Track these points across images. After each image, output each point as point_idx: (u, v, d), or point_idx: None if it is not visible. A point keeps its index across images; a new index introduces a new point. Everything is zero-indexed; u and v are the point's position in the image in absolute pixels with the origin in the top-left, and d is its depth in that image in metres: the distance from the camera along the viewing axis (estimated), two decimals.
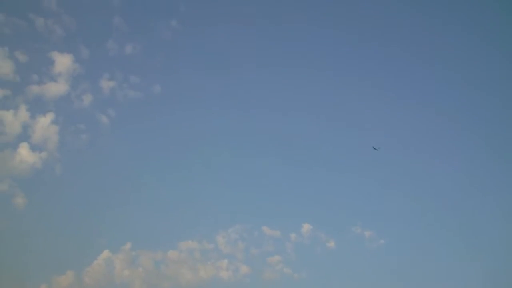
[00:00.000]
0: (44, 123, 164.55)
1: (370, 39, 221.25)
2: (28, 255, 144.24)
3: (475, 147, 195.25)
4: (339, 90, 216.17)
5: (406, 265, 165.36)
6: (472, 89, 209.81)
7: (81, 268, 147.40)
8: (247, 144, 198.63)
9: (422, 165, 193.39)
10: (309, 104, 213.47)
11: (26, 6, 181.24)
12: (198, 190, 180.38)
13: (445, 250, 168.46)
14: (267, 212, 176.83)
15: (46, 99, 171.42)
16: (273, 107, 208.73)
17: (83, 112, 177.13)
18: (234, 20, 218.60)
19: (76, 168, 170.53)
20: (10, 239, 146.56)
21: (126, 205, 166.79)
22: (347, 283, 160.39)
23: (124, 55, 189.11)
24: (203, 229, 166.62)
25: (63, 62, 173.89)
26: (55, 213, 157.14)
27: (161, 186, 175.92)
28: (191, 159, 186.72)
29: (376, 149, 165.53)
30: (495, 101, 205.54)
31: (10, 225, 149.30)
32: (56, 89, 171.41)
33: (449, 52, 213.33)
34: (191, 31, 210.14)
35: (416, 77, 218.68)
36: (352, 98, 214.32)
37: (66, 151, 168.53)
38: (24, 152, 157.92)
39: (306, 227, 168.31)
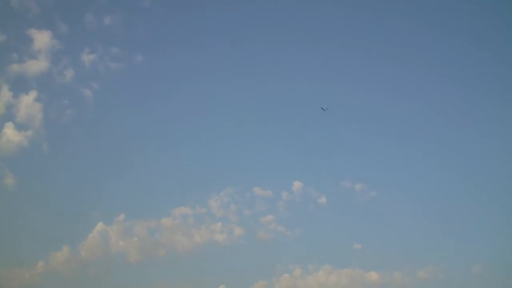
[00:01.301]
0: (28, 101, 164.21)
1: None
2: (23, 234, 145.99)
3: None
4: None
5: (399, 214, 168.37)
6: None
7: (77, 242, 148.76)
8: (234, 106, 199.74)
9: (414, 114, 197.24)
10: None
11: None
12: (188, 156, 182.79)
13: (438, 196, 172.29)
14: (257, 172, 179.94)
15: (27, 77, 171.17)
16: (263, 71, 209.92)
17: (66, 87, 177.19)
18: None
19: (63, 144, 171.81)
20: (4, 219, 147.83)
21: (116, 176, 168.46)
22: (341, 237, 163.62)
23: (103, 27, 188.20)
24: (195, 194, 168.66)
25: (41, 39, 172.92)
26: (46, 190, 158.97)
27: (150, 155, 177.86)
28: (178, 126, 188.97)
29: (324, 110, 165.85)
30: None
31: (2, 205, 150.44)
32: (37, 66, 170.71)
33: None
34: None
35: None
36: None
37: (51, 128, 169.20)
38: (9, 131, 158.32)
39: (297, 185, 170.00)
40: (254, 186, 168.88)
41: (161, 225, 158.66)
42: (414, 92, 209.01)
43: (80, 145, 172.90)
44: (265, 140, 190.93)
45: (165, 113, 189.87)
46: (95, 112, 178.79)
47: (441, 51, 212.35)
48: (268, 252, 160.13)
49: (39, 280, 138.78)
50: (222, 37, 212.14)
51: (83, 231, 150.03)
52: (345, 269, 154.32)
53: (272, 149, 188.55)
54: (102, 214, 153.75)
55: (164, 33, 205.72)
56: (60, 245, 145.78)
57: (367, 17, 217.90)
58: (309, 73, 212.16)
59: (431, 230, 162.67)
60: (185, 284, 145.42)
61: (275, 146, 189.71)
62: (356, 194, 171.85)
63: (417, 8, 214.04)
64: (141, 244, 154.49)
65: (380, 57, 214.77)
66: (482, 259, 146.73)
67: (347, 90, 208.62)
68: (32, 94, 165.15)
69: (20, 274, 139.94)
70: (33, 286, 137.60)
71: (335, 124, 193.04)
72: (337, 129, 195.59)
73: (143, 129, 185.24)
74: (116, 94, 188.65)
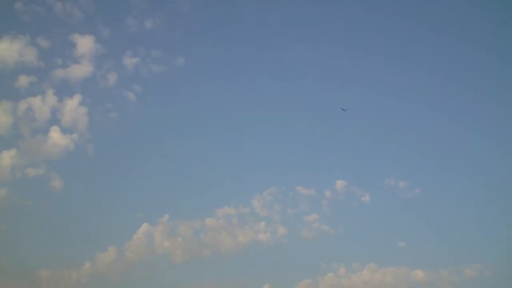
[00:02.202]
0: (72, 105, 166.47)
1: None
2: (70, 235, 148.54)
3: None
4: None
5: (444, 211, 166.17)
6: None
7: (122, 243, 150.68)
8: (275, 109, 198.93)
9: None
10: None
11: None
12: (230, 157, 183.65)
13: (485, 192, 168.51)
14: (300, 172, 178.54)
15: (72, 81, 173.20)
16: (300, 74, 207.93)
17: (109, 91, 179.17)
18: None
19: (107, 146, 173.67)
20: (51, 221, 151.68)
21: (160, 177, 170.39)
22: (385, 235, 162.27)
23: (144, 31, 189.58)
24: (238, 194, 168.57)
25: (84, 43, 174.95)
26: (92, 192, 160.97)
27: (193, 156, 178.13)
28: (220, 127, 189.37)
29: (344, 110, 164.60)
30: None
31: (51, 208, 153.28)
32: (81, 70, 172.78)
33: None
34: (209, 2, 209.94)
35: None
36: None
37: (96, 131, 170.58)
38: (55, 135, 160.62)
39: (340, 183, 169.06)
40: (297, 185, 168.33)
41: (205, 225, 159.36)
42: None
43: (124, 147, 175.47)
44: (307, 139, 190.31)
45: (207, 114, 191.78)
46: (138, 115, 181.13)
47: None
48: (312, 251, 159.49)
49: (86, 280, 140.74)
50: (261, 37, 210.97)
51: (128, 232, 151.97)
52: (390, 267, 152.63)
53: (315, 148, 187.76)
54: (146, 215, 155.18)
55: (204, 35, 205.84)
56: (106, 246, 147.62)
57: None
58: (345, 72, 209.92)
59: (478, 226, 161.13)
60: (230, 284, 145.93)
61: (318, 144, 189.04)
62: (400, 191, 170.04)
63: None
64: (185, 244, 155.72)
65: None
66: None
67: None
68: (77, 98, 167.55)
69: (68, 275, 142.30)
70: (80, 287, 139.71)
71: (377, 121, 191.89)
72: (380, 126, 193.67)
73: (185, 130, 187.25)
74: (159, 96, 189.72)
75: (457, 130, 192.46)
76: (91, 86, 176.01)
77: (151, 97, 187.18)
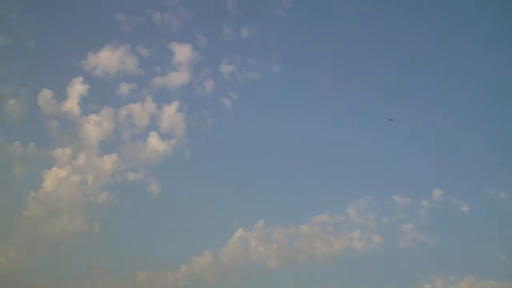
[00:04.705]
0: (170, 112, 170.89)
1: None
2: (168, 239, 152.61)
3: None
4: None
5: None
6: None
7: (218, 248, 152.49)
8: (370, 114, 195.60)
9: None
10: None
11: (144, 2, 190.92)
12: (326, 164, 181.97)
13: None
14: (396, 180, 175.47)
15: (170, 89, 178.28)
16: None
17: (206, 98, 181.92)
18: None
19: (204, 152, 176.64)
20: (149, 225, 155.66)
21: (255, 184, 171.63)
22: (485, 247, 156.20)
23: (240, 39, 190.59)
24: (333, 202, 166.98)
25: (182, 52, 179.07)
26: (189, 197, 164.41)
27: (288, 163, 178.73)
28: (315, 134, 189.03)
29: (391, 120, 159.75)
30: None
31: (148, 212, 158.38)
32: (179, 78, 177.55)
33: None
34: (305, 7, 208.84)
35: None
36: None
37: (193, 137, 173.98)
38: (154, 141, 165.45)
39: (437, 193, 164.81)
40: (393, 194, 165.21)
41: (299, 232, 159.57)
42: None
43: (220, 153, 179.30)
44: (403, 147, 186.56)
45: (302, 121, 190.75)
46: (234, 121, 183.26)
47: None
48: (408, 261, 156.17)
49: (182, 283, 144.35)
50: (359, 43, 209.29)
51: (224, 237, 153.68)
52: (489, 281, 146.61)
53: (411, 156, 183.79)
54: (242, 221, 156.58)
55: (299, 41, 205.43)
56: (202, 251, 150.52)
57: None
58: None
59: None
60: None
61: (414, 153, 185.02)
62: (501, 201, 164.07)
63: None
64: (280, 250, 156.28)
65: None
66: None
67: None
68: (174, 105, 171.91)
69: (164, 277, 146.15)
70: None
71: (476, 130, 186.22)
72: (479, 134, 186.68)
73: (281, 137, 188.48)
74: (255, 103, 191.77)
75: None
76: (188, 93, 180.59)
77: (247, 104, 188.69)
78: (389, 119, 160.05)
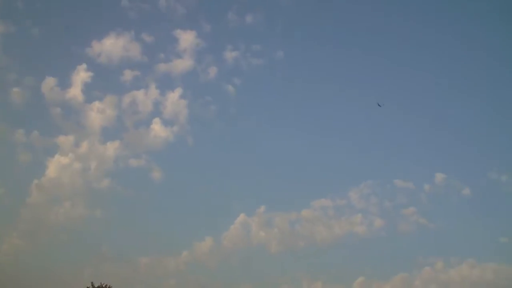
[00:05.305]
0: (174, 99, 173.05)
1: None
2: (170, 225, 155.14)
3: None
4: None
5: None
6: None
7: (219, 233, 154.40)
8: (368, 102, 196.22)
9: None
10: None
11: None
12: (327, 149, 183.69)
13: None
14: (398, 165, 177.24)
15: (173, 75, 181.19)
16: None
17: (209, 84, 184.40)
18: None
19: (207, 138, 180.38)
20: (152, 211, 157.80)
21: (257, 170, 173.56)
22: (486, 230, 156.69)
23: (245, 25, 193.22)
24: (334, 186, 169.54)
25: (186, 38, 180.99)
26: (191, 183, 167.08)
27: (290, 148, 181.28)
28: (318, 120, 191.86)
29: (380, 106, 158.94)
30: None
31: (151, 198, 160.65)
32: (182, 65, 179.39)
33: None
34: None
35: None
36: None
37: (196, 123, 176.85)
38: (157, 127, 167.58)
39: (439, 176, 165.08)
40: (395, 178, 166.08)
41: (301, 217, 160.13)
42: None
43: (223, 139, 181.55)
44: (405, 132, 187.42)
45: (306, 106, 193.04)
46: (237, 107, 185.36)
47: None
48: (409, 245, 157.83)
49: (184, 268, 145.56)
50: (358, 34, 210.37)
51: (225, 223, 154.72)
52: (490, 263, 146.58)
53: (413, 140, 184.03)
54: (244, 206, 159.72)
55: (303, 29, 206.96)
56: (203, 236, 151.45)
57: None
58: None
59: None
60: (325, 276, 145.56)
61: (416, 137, 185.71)
62: (503, 185, 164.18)
63: None
64: (281, 235, 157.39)
65: None
66: None
67: None
68: (178, 91, 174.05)
69: (167, 262, 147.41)
70: (178, 274, 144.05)
71: (478, 111, 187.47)
72: (480, 116, 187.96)
73: (284, 122, 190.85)
74: (258, 90, 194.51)
75: None
76: (192, 79, 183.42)
77: (250, 90, 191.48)
78: (379, 105, 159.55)
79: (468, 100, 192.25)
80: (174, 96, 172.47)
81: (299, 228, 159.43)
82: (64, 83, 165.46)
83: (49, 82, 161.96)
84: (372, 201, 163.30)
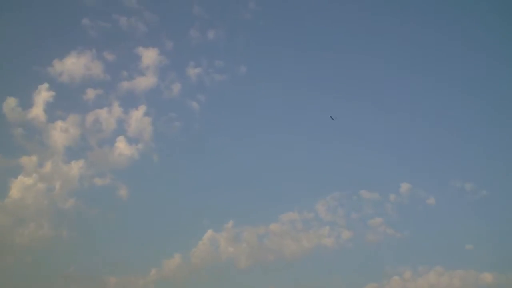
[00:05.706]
0: (138, 116, 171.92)
1: None
2: (137, 243, 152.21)
3: None
4: None
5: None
6: None
7: (188, 250, 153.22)
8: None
9: None
10: None
11: (109, 7, 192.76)
12: (293, 163, 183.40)
13: None
14: (363, 176, 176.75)
15: (137, 93, 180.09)
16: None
17: (173, 101, 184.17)
18: None
19: (172, 155, 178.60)
20: (118, 229, 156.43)
21: (224, 185, 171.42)
22: (451, 238, 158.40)
23: (207, 42, 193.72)
24: (302, 200, 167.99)
25: (149, 56, 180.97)
26: (157, 200, 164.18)
27: (256, 163, 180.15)
28: (283, 133, 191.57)
29: (333, 119, 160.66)
30: None
31: (117, 216, 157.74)
32: (145, 82, 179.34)
33: None
34: (270, 11, 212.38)
35: None
36: None
37: (160, 140, 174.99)
38: (121, 145, 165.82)
39: (404, 186, 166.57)
40: (361, 189, 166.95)
41: (269, 231, 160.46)
42: None
43: (188, 156, 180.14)
44: (368, 143, 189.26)
45: (269, 121, 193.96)
46: (202, 124, 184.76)
47: None
48: (377, 255, 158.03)
49: (153, 286, 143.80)
50: (322, 45, 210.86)
51: (193, 239, 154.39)
52: (457, 270, 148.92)
53: (377, 152, 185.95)
54: (211, 222, 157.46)
55: (265, 44, 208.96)
56: (172, 253, 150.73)
57: None
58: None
59: None
60: None
61: (380, 148, 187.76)
62: (467, 193, 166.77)
63: None
64: (250, 250, 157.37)
65: None
66: None
67: None
68: (141, 109, 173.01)
69: (135, 281, 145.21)
70: None
71: (439, 123, 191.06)
72: (442, 127, 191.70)
73: (249, 137, 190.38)
74: (222, 105, 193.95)
75: None
76: (155, 97, 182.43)
77: (214, 106, 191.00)
78: (332, 118, 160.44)
79: (430, 111, 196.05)
80: (138, 114, 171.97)
81: (268, 242, 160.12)
82: (26, 103, 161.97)
83: (10, 102, 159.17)
84: (339, 213, 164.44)
